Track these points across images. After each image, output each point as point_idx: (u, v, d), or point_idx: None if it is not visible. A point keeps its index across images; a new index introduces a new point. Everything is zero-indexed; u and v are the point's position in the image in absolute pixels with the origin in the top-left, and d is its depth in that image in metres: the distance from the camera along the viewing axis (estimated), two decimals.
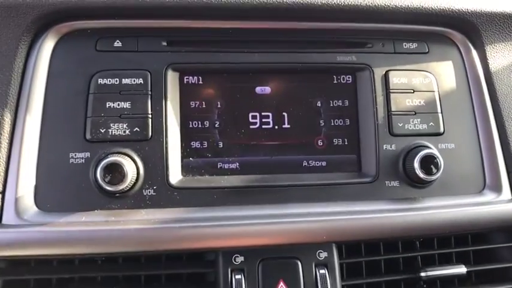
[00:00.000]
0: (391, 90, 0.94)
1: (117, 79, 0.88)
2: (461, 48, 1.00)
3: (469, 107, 0.98)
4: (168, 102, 0.89)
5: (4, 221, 0.83)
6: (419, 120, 0.94)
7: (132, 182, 0.84)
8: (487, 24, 0.99)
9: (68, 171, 0.85)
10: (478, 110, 0.98)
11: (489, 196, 0.95)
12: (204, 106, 0.92)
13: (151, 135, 0.87)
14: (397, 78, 0.95)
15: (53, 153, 0.86)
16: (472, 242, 0.99)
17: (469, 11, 0.97)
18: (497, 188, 0.96)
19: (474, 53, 1.00)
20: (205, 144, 0.91)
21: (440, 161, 0.90)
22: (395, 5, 0.93)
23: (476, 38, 1.00)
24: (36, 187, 0.85)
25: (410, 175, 0.91)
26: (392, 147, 0.93)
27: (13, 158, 0.84)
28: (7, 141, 0.84)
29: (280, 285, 0.85)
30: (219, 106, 0.92)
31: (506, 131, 0.97)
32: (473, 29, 0.99)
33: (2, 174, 0.83)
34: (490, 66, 0.99)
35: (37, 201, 0.85)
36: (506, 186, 0.96)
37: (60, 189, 0.85)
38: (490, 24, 0.99)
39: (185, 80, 0.92)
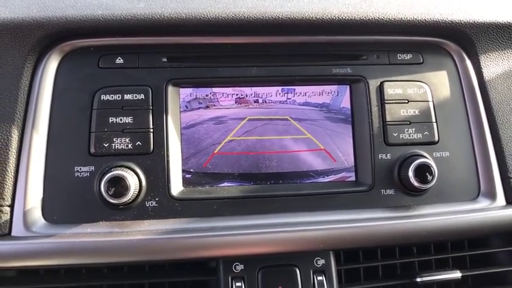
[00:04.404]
0: (386, 101, 0.97)
1: (120, 95, 0.91)
2: (456, 58, 1.02)
3: (463, 115, 1.00)
4: (169, 117, 0.92)
5: (14, 233, 0.86)
6: (414, 129, 0.97)
7: (135, 194, 0.87)
8: (481, 34, 1.00)
9: (74, 185, 0.88)
10: (472, 118, 1.00)
11: (484, 203, 0.97)
12: (203, 120, 0.95)
13: (153, 149, 0.90)
14: (391, 89, 0.97)
15: (59, 167, 0.89)
16: (468, 246, 1.01)
17: (463, 21, 0.98)
18: (491, 195, 0.98)
19: (468, 62, 1.02)
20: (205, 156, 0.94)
21: (435, 169, 0.92)
22: (390, 18, 0.95)
23: (470, 47, 1.01)
24: (43, 200, 0.88)
25: (405, 183, 0.94)
26: (388, 156, 0.95)
27: (21, 173, 0.88)
28: (15, 156, 0.88)
29: None
30: (218, 120, 0.95)
31: (500, 138, 0.99)
32: (467, 39, 1.01)
33: (11, 188, 0.87)
34: (483, 75, 1.01)
35: (44, 213, 0.88)
36: (501, 193, 0.98)
37: (66, 202, 0.88)
38: (484, 34, 1.00)
39: (184, 95, 0.95)
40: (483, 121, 1.00)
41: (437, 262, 1.00)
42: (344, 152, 0.97)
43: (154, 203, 0.89)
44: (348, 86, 0.98)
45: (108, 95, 0.91)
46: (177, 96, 0.94)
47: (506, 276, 1.00)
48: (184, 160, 0.93)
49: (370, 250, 0.98)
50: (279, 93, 0.98)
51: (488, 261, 1.01)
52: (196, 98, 0.95)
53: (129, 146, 0.90)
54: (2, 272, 0.92)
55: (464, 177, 0.98)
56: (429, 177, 0.92)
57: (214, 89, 0.96)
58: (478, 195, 0.98)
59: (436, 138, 0.97)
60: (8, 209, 0.86)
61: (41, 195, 0.88)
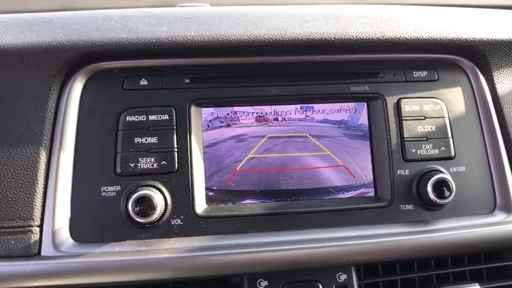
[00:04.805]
0: (403, 118, 0.99)
1: (144, 116, 0.93)
2: (470, 75, 1.04)
3: (478, 130, 1.02)
4: (192, 136, 0.94)
5: (43, 253, 0.88)
6: (431, 145, 0.99)
7: (161, 213, 0.89)
8: (494, 51, 1.03)
9: (100, 204, 0.90)
10: (487, 133, 1.02)
11: (500, 216, 0.99)
12: (225, 139, 0.97)
13: (178, 168, 0.92)
14: (408, 106, 0.99)
15: (86, 187, 0.91)
16: (485, 259, 1.03)
17: (476, 39, 1.01)
18: (507, 208, 0.99)
19: (482, 78, 1.04)
20: (228, 175, 0.96)
21: (452, 184, 0.94)
22: (406, 37, 0.98)
23: (483, 64, 1.04)
24: (71, 220, 0.90)
25: (423, 199, 0.96)
26: (406, 172, 0.97)
27: (49, 193, 0.90)
28: (43, 177, 0.90)
29: None
30: (240, 138, 0.97)
31: None
32: (480, 56, 1.03)
33: (40, 208, 0.89)
34: (497, 90, 1.03)
35: (72, 233, 0.90)
36: None
37: (93, 221, 0.90)
38: (497, 51, 1.03)
39: (207, 114, 0.97)
40: (498, 136, 1.02)
41: (454, 275, 1.02)
42: (363, 168, 0.99)
43: (179, 221, 0.91)
44: (366, 103, 1.00)
45: (133, 116, 0.93)
46: (199, 116, 0.96)
47: None
48: (207, 178, 0.95)
49: (389, 264, 1.00)
50: (298, 111, 1.00)
51: (505, 274, 1.03)
52: (218, 117, 0.98)
53: (155, 165, 0.92)
54: None
55: (481, 191, 1.00)
56: (447, 193, 0.94)
57: (235, 108, 0.98)
58: (494, 208, 1.00)
59: (453, 153, 0.99)
60: (37, 229, 0.88)
61: (68, 215, 0.90)
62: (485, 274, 1.02)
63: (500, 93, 1.03)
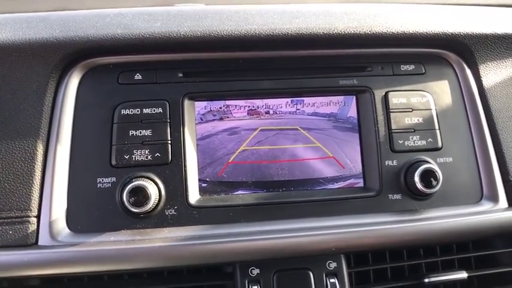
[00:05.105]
0: (391, 110, 1.01)
1: (139, 109, 0.96)
2: (456, 68, 1.07)
3: (465, 122, 1.05)
4: (186, 129, 0.96)
5: (40, 242, 0.90)
6: (418, 137, 1.01)
7: (155, 203, 0.91)
8: (479, 45, 1.06)
9: (96, 195, 0.93)
10: (474, 124, 1.05)
11: (486, 205, 1.01)
12: (217, 131, 1.00)
13: (171, 160, 0.95)
14: (396, 99, 1.02)
15: (82, 179, 0.93)
16: (473, 248, 1.05)
17: (462, 33, 1.04)
18: (494, 198, 1.02)
19: (468, 72, 1.07)
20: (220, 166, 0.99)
21: (439, 174, 0.96)
22: (393, 31, 1.01)
23: (469, 58, 1.07)
24: (67, 210, 0.92)
25: (411, 188, 0.98)
26: (394, 162, 1.00)
27: (46, 185, 0.92)
28: (40, 169, 0.92)
29: None
30: (231, 131, 1.00)
31: (500, 143, 1.03)
32: (466, 49, 1.06)
33: (37, 199, 0.91)
34: (483, 83, 1.06)
35: (69, 223, 0.92)
36: (503, 196, 1.02)
37: (89, 212, 0.93)
38: (482, 45, 1.06)
39: (200, 108, 0.99)
40: (484, 127, 1.04)
41: (443, 264, 1.04)
42: (352, 159, 1.01)
43: (173, 211, 0.94)
44: (354, 97, 1.03)
45: (127, 109, 0.96)
46: (192, 109, 0.99)
47: (510, 277, 1.04)
48: (201, 170, 0.98)
49: (379, 253, 1.02)
50: (289, 105, 1.02)
51: (492, 263, 1.06)
52: (211, 110, 1.00)
53: (149, 157, 0.94)
54: (27, 280, 0.96)
55: (468, 181, 1.02)
56: (434, 182, 0.96)
57: (228, 102, 1.01)
58: (481, 198, 1.02)
59: (440, 144, 1.02)
60: (35, 219, 0.91)
61: (65, 206, 0.92)
62: (473, 263, 1.04)
63: (486, 85, 1.06)
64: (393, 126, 1.01)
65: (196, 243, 0.91)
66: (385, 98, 1.02)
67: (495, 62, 1.07)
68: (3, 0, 1.47)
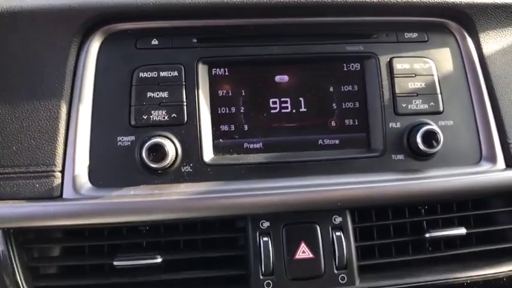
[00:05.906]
0: (395, 75, 1.06)
1: (156, 72, 1.01)
2: (457, 36, 1.12)
3: (465, 88, 1.10)
4: (200, 91, 1.02)
5: (65, 195, 0.96)
6: (420, 101, 1.06)
7: (172, 160, 0.97)
8: (480, 14, 1.10)
9: (117, 153, 0.99)
10: (474, 90, 1.10)
11: (485, 166, 1.07)
12: (230, 94, 1.05)
13: (187, 120, 1.01)
14: (400, 65, 1.07)
15: (103, 138, 0.99)
16: (472, 207, 1.10)
17: (463, 3, 1.08)
18: (492, 159, 1.07)
19: (469, 40, 1.12)
20: (233, 127, 1.04)
21: (440, 135, 1.01)
22: (397, 0, 1.05)
23: (470, 26, 1.11)
24: (89, 166, 0.98)
25: (413, 149, 1.03)
26: (397, 125, 1.05)
27: (70, 142, 0.98)
28: (64, 127, 0.98)
29: (301, 246, 0.98)
30: (243, 94, 1.05)
31: (499, 108, 1.08)
32: (467, 18, 1.10)
33: (61, 155, 0.97)
34: (483, 51, 1.11)
35: (91, 178, 0.98)
36: (501, 157, 1.07)
37: (110, 168, 0.98)
38: (483, 13, 1.10)
39: (213, 71, 1.05)
40: (483, 93, 1.09)
41: (443, 222, 1.09)
42: (358, 121, 1.07)
43: (189, 168, 1.00)
44: (360, 62, 1.08)
45: (145, 73, 1.01)
46: (206, 73, 1.04)
47: (506, 234, 1.10)
48: (214, 130, 1.03)
49: (382, 212, 1.07)
50: (298, 69, 1.07)
51: (490, 222, 1.11)
52: (224, 74, 1.05)
53: (166, 117, 1.00)
54: (51, 233, 1.02)
55: (467, 143, 1.07)
56: (435, 143, 1.01)
57: (240, 67, 1.06)
58: (480, 159, 1.07)
59: (441, 108, 1.07)
60: (59, 174, 0.97)
61: (87, 163, 0.98)
62: (472, 221, 1.10)
63: (486, 53, 1.11)
64: (397, 91, 1.06)
65: (210, 197, 0.97)
66: (390, 64, 1.07)
67: (495, 31, 1.12)
68: None
